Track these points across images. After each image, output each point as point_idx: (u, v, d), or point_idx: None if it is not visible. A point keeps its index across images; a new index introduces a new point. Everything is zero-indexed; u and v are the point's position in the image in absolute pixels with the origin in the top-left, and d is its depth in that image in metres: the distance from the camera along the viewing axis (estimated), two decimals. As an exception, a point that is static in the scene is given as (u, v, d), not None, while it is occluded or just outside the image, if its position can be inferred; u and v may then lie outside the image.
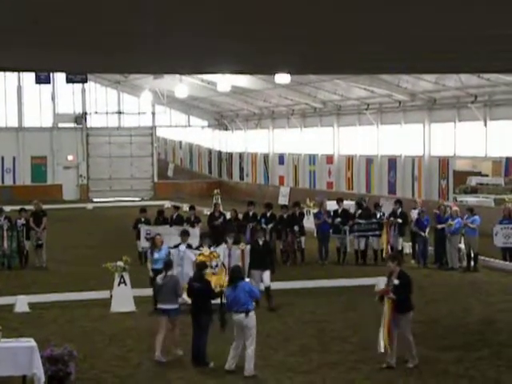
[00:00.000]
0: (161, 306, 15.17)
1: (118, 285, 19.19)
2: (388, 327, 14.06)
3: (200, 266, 15.29)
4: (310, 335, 16.58)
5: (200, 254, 18.28)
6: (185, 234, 19.57)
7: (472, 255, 24.40)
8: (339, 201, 27.16)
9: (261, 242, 19.74)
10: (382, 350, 14.10)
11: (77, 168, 58.03)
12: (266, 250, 19.68)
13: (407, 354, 14.28)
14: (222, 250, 18.96)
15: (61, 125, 57.69)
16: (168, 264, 15.53)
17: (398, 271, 14.34)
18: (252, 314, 13.93)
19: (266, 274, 19.21)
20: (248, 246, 19.56)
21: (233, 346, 14.02)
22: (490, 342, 15.89)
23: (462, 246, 24.64)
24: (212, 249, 18.69)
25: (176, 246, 19.20)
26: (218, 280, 17.48)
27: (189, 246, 19.31)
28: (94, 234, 35.72)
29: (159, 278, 15.34)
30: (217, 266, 18.14)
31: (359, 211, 26.41)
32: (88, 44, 10.41)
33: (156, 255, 18.99)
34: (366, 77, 37.10)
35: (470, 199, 38.06)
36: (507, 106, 34.09)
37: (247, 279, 17.00)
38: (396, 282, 14.17)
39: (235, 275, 14.38)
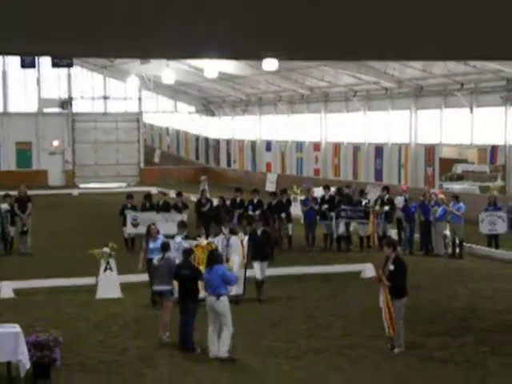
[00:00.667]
0: (155, 287, 15.48)
1: (104, 271, 19.13)
2: (390, 312, 14.17)
3: (186, 252, 15.28)
4: (296, 321, 16.61)
5: (197, 246, 17.58)
6: (182, 226, 18.81)
7: (457, 242, 24.50)
8: (326, 188, 27.20)
9: (259, 232, 18.95)
10: (391, 334, 14.29)
11: (62, 154, 57.76)
12: (264, 240, 18.89)
13: (395, 340, 14.33)
14: (219, 240, 18.24)
15: (46, 110, 57.34)
16: (165, 246, 15.61)
17: (393, 257, 14.43)
18: (223, 298, 14.05)
19: (264, 266, 18.68)
20: (246, 237, 18.57)
21: (209, 330, 14.13)
22: (474, 328, 15.97)
23: (448, 232, 24.74)
24: (210, 239, 18.13)
25: (172, 237, 18.32)
26: None
27: (186, 237, 18.48)
28: (79, 220, 35.61)
29: (156, 260, 15.66)
30: None
31: (338, 198, 26.44)
32: (73, 27, 10.32)
33: (151, 245, 18.11)
34: (354, 64, 37.08)
35: (456, 186, 38.18)
36: (493, 94, 34.16)
37: (232, 268, 16.92)
38: (391, 267, 14.27)
39: (212, 258, 14.51)
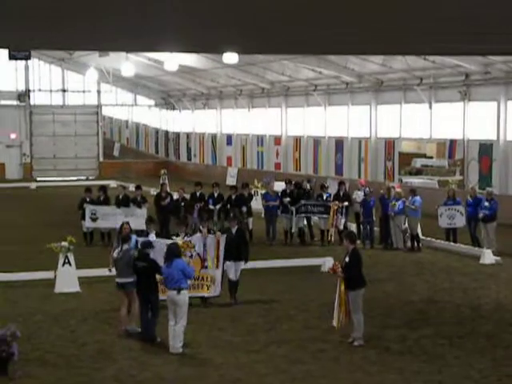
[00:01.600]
0: (117, 279, 15.34)
1: (63, 265, 18.97)
2: (344, 303, 14.36)
3: (144, 245, 15.21)
4: (257, 315, 16.62)
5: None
6: (150, 221, 18.14)
7: (413, 236, 24.71)
8: (288, 182, 27.24)
9: (233, 230, 17.88)
10: (335, 325, 14.50)
11: (20, 146, 57.18)
12: (239, 239, 17.87)
13: (355, 332, 14.45)
14: (196, 239, 17.27)
15: (3, 102, 56.74)
16: (124, 238, 15.48)
17: (351, 249, 14.61)
18: (184, 292, 14.11)
19: (239, 267, 17.73)
20: (224, 236, 17.44)
21: (170, 325, 14.13)
22: (432, 321, 16.13)
23: (407, 226, 24.92)
24: (186, 238, 17.19)
25: (143, 235, 17.31)
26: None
27: (157, 235, 17.86)
28: (37, 213, 35.27)
29: (115, 253, 15.44)
30: (191, 256, 16.56)
31: (296, 191, 26.47)
32: (30, 19, 10.20)
33: (125, 245, 16.51)
34: (314, 58, 37.18)
35: (415, 180, 38.48)
36: (452, 89, 34.50)
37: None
38: (347, 259, 14.47)
39: (170, 252, 14.44)
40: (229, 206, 25.77)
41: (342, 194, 26.13)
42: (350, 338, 14.46)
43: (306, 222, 26.28)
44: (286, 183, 27.33)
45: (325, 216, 25.83)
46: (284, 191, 26.73)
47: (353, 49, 18.92)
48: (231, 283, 17.73)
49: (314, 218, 26.52)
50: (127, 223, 17.34)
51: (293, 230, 26.17)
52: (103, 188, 27.01)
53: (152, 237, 17.11)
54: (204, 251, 17.20)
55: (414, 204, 24.62)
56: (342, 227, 25.83)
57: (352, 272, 14.39)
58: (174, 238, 17.22)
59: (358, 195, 26.25)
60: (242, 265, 17.87)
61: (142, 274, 14.75)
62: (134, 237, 16.57)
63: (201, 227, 17.95)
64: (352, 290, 14.42)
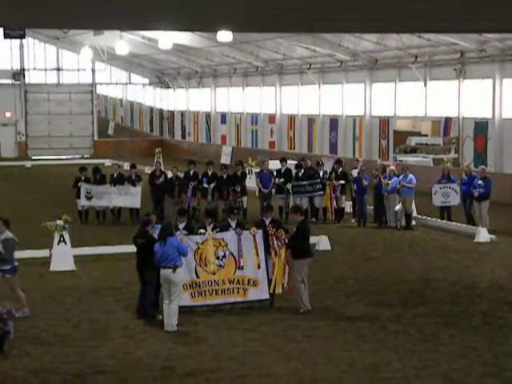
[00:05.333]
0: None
1: (58, 244, 18.98)
2: (284, 269, 15.20)
3: (143, 222, 15.20)
4: (250, 293, 16.62)
5: (204, 242, 15.17)
6: (182, 214, 16.12)
7: (408, 214, 24.72)
8: (283, 160, 27.14)
9: (267, 222, 15.84)
10: (280, 291, 15.26)
11: (15, 125, 57.06)
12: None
13: (298, 300, 15.04)
14: (229, 236, 15.40)
15: (-2, 81, 56.58)
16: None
17: (299, 221, 15.37)
18: (180, 270, 14.17)
19: None
20: (260, 231, 15.46)
21: (164, 303, 14.18)
22: (427, 299, 16.17)
23: (399, 206, 24.90)
24: (217, 235, 15.42)
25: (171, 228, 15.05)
26: (226, 274, 15.22)
27: (186, 228, 15.72)
28: (32, 192, 35.22)
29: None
30: (224, 256, 15.25)
31: (302, 171, 26.37)
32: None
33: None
34: (309, 36, 37.04)
35: (410, 159, 38.50)
36: (447, 67, 34.41)
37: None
38: (294, 230, 15.26)
39: (164, 231, 14.40)
40: (222, 185, 25.67)
41: (339, 172, 26.09)
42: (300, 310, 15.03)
43: (305, 202, 25.98)
44: (280, 162, 27.24)
45: (320, 193, 25.80)
46: (279, 171, 26.66)
47: (348, 27, 18.86)
48: None
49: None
50: (154, 213, 16.45)
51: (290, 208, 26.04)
52: (97, 169, 26.86)
53: (179, 233, 15.20)
54: (239, 250, 15.31)
55: (411, 182, 24.61)
56: (342, 205, 25.90)
57: (296, 242, 15.12)
58: (201, 231, 15.60)
59: (355, 173, 26.20)
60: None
61: (141, 251, 14.78)
62: (158, 226, 15.05)
63: (229, 220, 15.99)
64: (296, 259, 15.15)
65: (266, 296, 15.36)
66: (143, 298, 14.80)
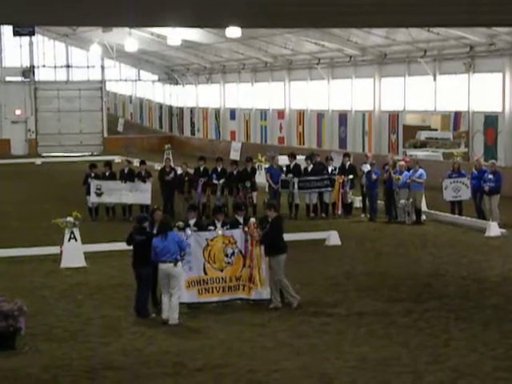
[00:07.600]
0: None
1: (68, 240, 19.05)
2: (259, 267, 15.04)
3: (140, 219, 15.22)
4: (261, 289, 16.62)
5: (213, 239, 15.13)
6: (192, 209, 16.15)
7: (417, 209, 24.66)
8: (291, 156, 27.10)
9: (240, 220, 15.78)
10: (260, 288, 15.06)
11: (25, 122, 57.19)
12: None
13: (287, 295, 15.01)
14: (238, 234, 15.31)
15: (8, 78, 56.72)
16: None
17: (273, 217, 15.12)
18: (179, 263, 14.24)
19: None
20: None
21: (164, 298, 14.26)
22: (437, 294, 16.13)
23: (411, 199, 24.85)
24: (227, 232, 15.32)
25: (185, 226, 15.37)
26: (233, 271, 15.21)
27: (196, 224, 15.62)
28: (43, 189, 35.32)
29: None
30: (233, 254, 15.25)
31: (311, 166, 26.36)
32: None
33: (155, 230, 15.21)
34: (317, 31, 36.95)
35: (419, 153, 38.41)
36: (456, 61, 34.30)
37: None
38: (267, 226, 15.02)
39: (165, 226, 14.40)
40: (232, 181, 25.66)
41: (347, 166, 26.06)
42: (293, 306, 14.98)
43: (315, 198, 25.95)
44: (289, 158, 27.20)
45: (329, 189, 25.78)
46: (288, 167, 26.61)
47: (356, 21, 18.82)
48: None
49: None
50: (159, 209, 16.23)
51: (297, 202, 26.01)
52: (109, 164, 27.01)
53: (188, 232, 15.11)
54: (245, 247, 15.23)
55: (421, 177, 24.54)
56: (349, 200, 25.86)
57: (270, 239, 14.93)
58: (210, 228, 15.47)
59: (367, 168, 26.08)
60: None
61: (137, 248, 14.78)
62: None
63: (237, 216, 15.80)
64: (271, 256, 14.98)
65: (268, 296, 15.25)
66: (139, 296, 14.74)
